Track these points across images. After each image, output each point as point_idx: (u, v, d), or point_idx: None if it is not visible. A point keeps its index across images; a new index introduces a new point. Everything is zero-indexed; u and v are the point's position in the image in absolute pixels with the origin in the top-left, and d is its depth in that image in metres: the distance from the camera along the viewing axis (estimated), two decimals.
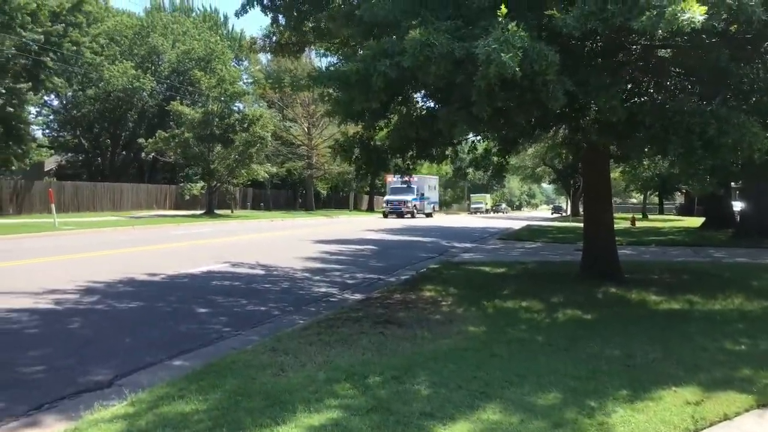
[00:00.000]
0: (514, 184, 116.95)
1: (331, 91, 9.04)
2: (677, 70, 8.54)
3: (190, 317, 7.77)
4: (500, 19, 6.27)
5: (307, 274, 11.98)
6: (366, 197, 70.98)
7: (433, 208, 55.18)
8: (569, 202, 70.87)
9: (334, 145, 11.28)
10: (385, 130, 10.70)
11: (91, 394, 4.69)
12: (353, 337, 6.20)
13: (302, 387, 4.53)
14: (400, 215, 46.58)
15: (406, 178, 38.93)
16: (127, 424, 3.88)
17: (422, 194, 48.88)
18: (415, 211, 47.49)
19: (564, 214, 78.74)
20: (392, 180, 45.64)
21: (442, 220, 49.52)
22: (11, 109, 29.67)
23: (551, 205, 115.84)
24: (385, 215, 47.46)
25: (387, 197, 49.65)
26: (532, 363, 5.26)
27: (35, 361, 5.63)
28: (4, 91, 29.02)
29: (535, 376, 4.83)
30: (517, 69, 5.85)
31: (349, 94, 7.75)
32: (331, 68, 10.19)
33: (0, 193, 32.33)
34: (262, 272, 12.16)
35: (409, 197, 46.53)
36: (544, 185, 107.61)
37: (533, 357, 5.48)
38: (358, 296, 9.45)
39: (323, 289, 10.29)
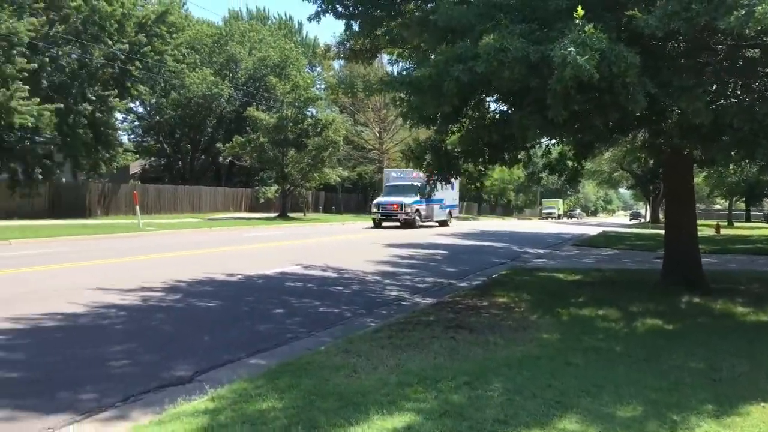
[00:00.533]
0: (589, 188, 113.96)
1: (403, 95, 9.11)
2: (767, 70, 8.12)
3: (265, 317, 7.98)
4: (577, 21, 6.17)
5: (377, 277, 12.08)
6: None
7: (449, 213, 39.35)
8: (648, 207, 68.46)
9: (406, 150, 11.34)
10: (457, 135, 10.66)
11: (174, 389, 4.88)
12: (424, 341, 6.21)
13: (375, 389, 4.57)
14: (406, 224, 33.42)
15: (413, 173, 33.75)
16: (208, 419, 4.03)
17: (428, 194, 38.96)
18: (417, 217, 34.05)
19: (643, 220, 76.16)
20: (391, 175, 37.10)
21: (513, 225, 48.59)
22: (100, 116, 31.34)
23: (629, 211, 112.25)
24: (377, 223, 33.71)
25: (378, 199, 35.40)
26: (610, 373, 5.12)
27: (122, 356, 5.93)
28: (94, 98, 30.68)
29: (613, 387, 4.70)
30: (594, 71, 5.73)
31: (422, 98, 7.79)
32: (404, 73, 10.28)
33: (89, 195, 34.14)
34: (334, 275, 12.34)
35: (408, 199, 32.91)
36: (622, 190, 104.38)
37: (611, 367, 5.33)
38: (428, 300, 9.45)
39: (394, 293, 10.35)
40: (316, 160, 39.19)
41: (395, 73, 10.27)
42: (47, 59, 27.97)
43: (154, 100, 45.70)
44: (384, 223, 33.48)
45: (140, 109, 48.85)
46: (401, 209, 33.13)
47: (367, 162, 55.75)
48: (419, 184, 32.87)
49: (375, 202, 35.18)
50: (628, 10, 6.46)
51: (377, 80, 10.08)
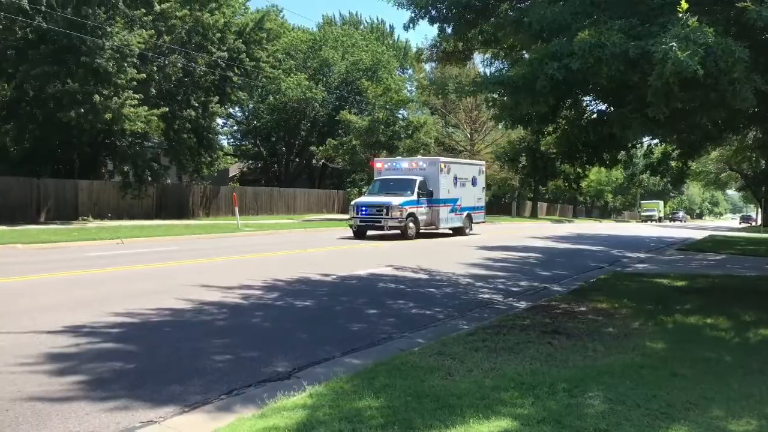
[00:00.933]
0: (694, 190, 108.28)
1: (496, 96, 9.03)
2: None
3: (359, 317, 8.11)
4: (680, 15, 5.91)
5: (470, 280, 11.99)
6: (529, 203, 69.58)
7: (468, 218, 27.68)
8: (760, 210, 64.17)
9: (501, 154, 11.22)
10: (553, 136, 10.44)
11: (273, 384, 5.05)
12: (520, 345, 6.11)
13: (470, 392, 4.55)
14: (401, 233, 23.22)
15: (410, 164, 26.38)
16: (307, 415, 4.14)
17: (430, 192, 24.70)
18: (411, 224, 23.51)
19: (754, 223, 71.52)
20: (381, 166, 26.99)
21: (610, 228, 46.71)
22: (203, 121, 32.93)
23: (738, 214, 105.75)
24: (357, 232, 23.66)
25: (358, 199, 25.74)
26: (721, 385, 4.84)
27: (224, 350, 6.19)
28: (197, 104, 32.27)
29: (724, 400, 4.45)
30: (698, 67, 5.47)
31: (515, 98, 7.70)
32: (497, 73, 10.18)
33: (192, 197, 35.91)
34: (425, 276, 12.36)
35: (397, 198, 23.41)
36: (730, 192, 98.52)
37: (721, 379, 5.04)
38: (523, 304, 9.28)
39: (487, 296, 10.24)
40: None
41: (488, 74, 10.19)
42: (155, 68, 29.68)
43: (251, 105, 47.52)
44: (369, 232, 23.71)
45: (239, 114, 50.92)
46: (387, 213, 22.97)
47: None
48: (419, 178, 24.44)
49: (354, 202, 24.78)
50: (739, 3, 6.12)
51: (470, 81, 10.02)
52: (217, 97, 33.82)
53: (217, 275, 11.47)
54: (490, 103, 9.22)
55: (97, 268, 12.40)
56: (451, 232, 26.83)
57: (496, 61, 11.78)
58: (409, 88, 58.24)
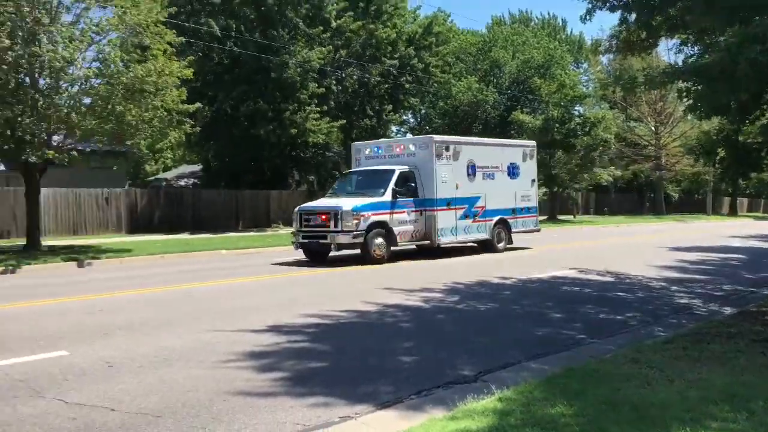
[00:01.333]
0: None
1: (688, 85, 8.43)
2: None
3: (543, 321, 7.93)
4: None
5: (663, 284, 11.19)
6: (727, 200, 63.34)
7: (501, 226, 17.96)
8: None
9: (694, 146, 10.37)
10: (756, 125, 9.48)
11: (460, 387, 5.08)
12: (727, 355, 5.59)
13: (672, 404, 4.24)
14: (366, 254, 15.00)
15: (394, 148, 18.03)
16: (498, 419, 4.11)
17: (413, 189, 16.13)
18: (377, 240, 15.06)
19: None
20: (359, 153, 18.51)
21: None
22: (379, 129, 34.24)
23: None
24: (305, 251, 16.05)
25: (303, 204, 17.73)
26: None
27: (409, 352, 6.38)
28: (372, 113, 33.64)
29: None
30: None
31: (711, 87, 7.14)
32: (688, 61, 9.47)
33: None
34: (612, 279, 11.76)
35: (352, 201, 15.30)
36: None
37: None
38: (727, 310, 8.47)
39: (684, 301, 9.49)
40: (585, 160, 37.83)
41: (678, 63, 9.51)
42: (333, 81, 31.42)
43: (423, 111, 48.44)
44: (333, 252, 15.61)
45: (411, 120, 52.13)
46: (335, 224, 14.86)
47: (642, 159, 51.92)
48: (400, 168, 16.13)
49: (297, 209, 16.41)
50: None
51: (658, 72, 9.41)
52: (391, 105, 34.94)
53: (397, 278, 11.84)
54: (684, 94, 8.59)
55: (290, 272, 13.38)
56: (476, 245, 17.90)
57: (685, 48, 10.94)
58: (584, 81, 55.81)
